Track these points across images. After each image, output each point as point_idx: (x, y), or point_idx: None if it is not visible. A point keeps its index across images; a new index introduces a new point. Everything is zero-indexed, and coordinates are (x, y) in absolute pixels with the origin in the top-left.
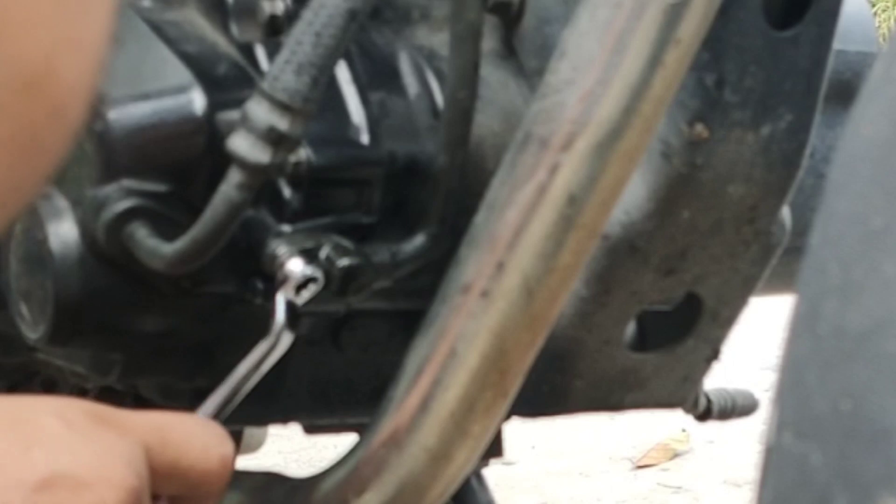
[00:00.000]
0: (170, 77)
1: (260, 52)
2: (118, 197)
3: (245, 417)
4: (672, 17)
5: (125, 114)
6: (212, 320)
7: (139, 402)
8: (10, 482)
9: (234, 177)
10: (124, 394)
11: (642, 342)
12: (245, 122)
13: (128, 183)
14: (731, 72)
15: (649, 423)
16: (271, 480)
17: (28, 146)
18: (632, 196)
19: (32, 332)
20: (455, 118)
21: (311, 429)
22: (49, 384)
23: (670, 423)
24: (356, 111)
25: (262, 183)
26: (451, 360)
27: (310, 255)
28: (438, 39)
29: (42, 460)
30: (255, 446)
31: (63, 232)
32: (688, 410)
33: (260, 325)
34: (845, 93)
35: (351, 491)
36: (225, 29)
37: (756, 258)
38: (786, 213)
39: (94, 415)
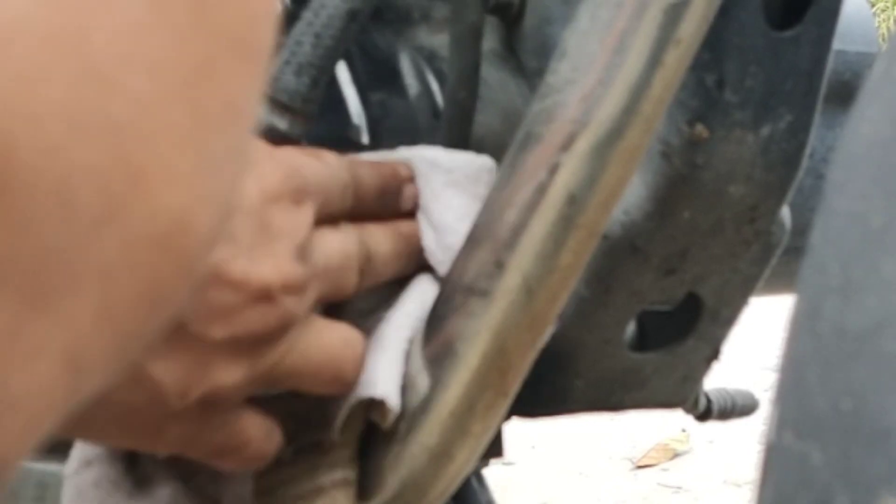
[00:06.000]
0: None
1: None
2: None
3: None
4: (672, 17)
5: None
6: None
7: None
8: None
9: None
10: None
11: (642, 342)
12: None
13: None
14: (731, 72)
15: (649, 423)
16: None
17: (155, 301)
18: (632, 196)
19: None
20: (455, 118)
21: None
22: None
23: (670, 423)
24: (356, 112)
25: None
26: (451, 360)
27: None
28: (439, 40)
29: None
30: None
31: None
32: (688, 410)
33: None
34: (845, 93)
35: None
36: None
37: (756, 258)
38: (786, 213)
39: None
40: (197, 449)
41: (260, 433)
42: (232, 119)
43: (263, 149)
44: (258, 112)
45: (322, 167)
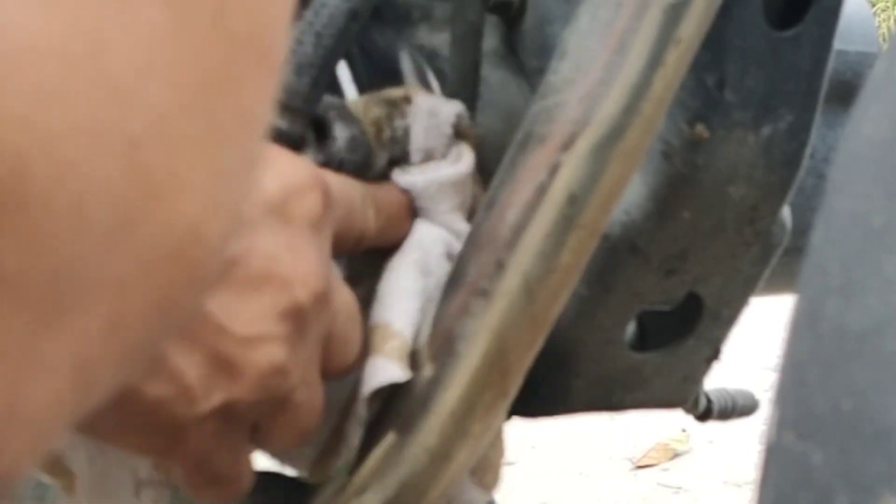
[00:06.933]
0: None
1: None
2: None
3: None
4: (673, 17)
5: None
6: None
7: None
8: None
9: None
10: None
11: (643, 342)
12: None
13: None
14: (731, 72)
15: (649, 423)
16: (271, 480)
17: (166, 311)
18: (632, 196)
19: None
20: None
21: None
22: None
23: (670, 423)
24: None
25: None
26: (452, 360)
27: None
28: (439, 39)
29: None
30: None
31: None
32: (688, 410)
33: None
34: (845, 93)
35: (351, 491)
36: None
37: (757, 258)
38: (786, 213)
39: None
40: (204, 470)
41: (249, 473)
42: (246, 127)
43: (280, 152)
44: (270, 118)
45: (341, 179)
